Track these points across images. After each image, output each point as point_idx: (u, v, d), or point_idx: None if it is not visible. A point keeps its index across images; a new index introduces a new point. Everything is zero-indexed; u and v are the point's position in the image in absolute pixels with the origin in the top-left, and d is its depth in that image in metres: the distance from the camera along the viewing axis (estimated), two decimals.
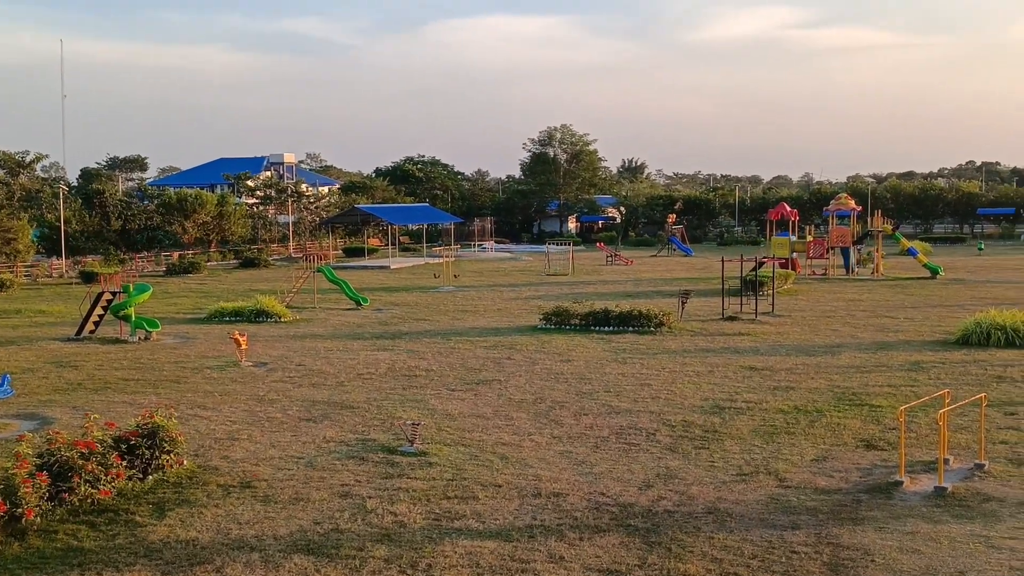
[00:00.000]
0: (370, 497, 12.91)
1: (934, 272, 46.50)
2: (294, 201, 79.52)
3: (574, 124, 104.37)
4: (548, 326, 29.45)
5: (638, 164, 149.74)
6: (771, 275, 35.52)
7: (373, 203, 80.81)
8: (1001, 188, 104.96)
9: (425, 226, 78.71)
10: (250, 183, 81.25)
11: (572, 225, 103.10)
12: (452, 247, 73.49)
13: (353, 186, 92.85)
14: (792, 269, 45.57)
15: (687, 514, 12.13)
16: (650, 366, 22.65)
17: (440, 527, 11.77)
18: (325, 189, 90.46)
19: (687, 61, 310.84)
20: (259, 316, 32.48)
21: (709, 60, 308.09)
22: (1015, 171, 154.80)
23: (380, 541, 11.29)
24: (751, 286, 34.68)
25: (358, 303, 37.08)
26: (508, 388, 20.32)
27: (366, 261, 66.43)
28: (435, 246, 77.72)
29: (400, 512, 12.29)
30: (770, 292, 34.32)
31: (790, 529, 11.55)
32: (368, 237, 79.27)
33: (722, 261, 35.04)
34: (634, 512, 12.22)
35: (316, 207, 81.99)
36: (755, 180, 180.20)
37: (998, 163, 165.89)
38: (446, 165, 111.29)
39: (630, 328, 28.22)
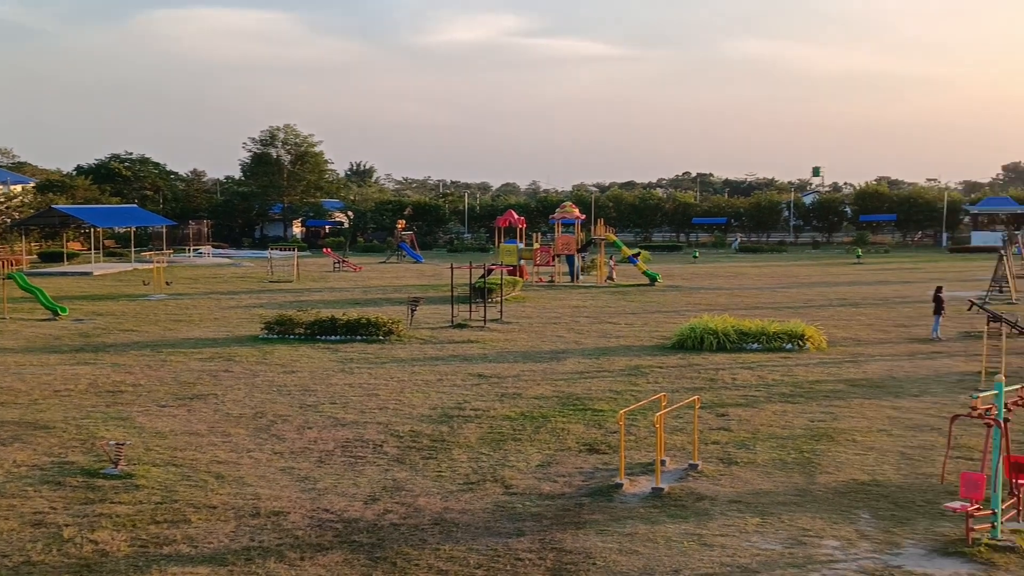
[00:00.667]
0: (67, 525, 11.79)
1: (652, 279, 48.91)
2: None
3: (299, 124, 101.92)
4: (271, 336, 28.39)
5: (367, 168, 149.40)
6: (499, 282, 36.13)
7: (74, 203, 74.89)
8: (714, 198, 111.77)
9: (134, 229, 73.96)
10: None
11: (297, 230, 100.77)
12: (164, 252, 69.83)
13: (51, 185, 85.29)
14: (520, 276, 46.71)
15: (413, 526, 11.88)
16: (378, 376, 22.27)
17: (147, 554, 10.88)
18: (18, 188, 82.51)
19: (415, 65, 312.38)
20: None
21: (437, 65, 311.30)
22: (727, 182, 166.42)
23: (78, 573, 10.32)
24: (480, 293, 35.14)
25: (55, 313, 34.21)
26: (225, 403, 19.26)
27: (66, 267, 61.26)
28: (145, 251, 73.45)
29: (102, 540, 11.28)
30: (499, 299, 34.89)
31: (515, 536, 11.57)
32: (68, 241, 73.37)
33: (451, 268, 35.27)
34: (359, 527, 11.83)
35: (7, 208, 74.76)
36: (484, 187, 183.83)
37: (711, 174, 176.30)
38: (157, 164, 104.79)
39: (358, 337, 27.73)
